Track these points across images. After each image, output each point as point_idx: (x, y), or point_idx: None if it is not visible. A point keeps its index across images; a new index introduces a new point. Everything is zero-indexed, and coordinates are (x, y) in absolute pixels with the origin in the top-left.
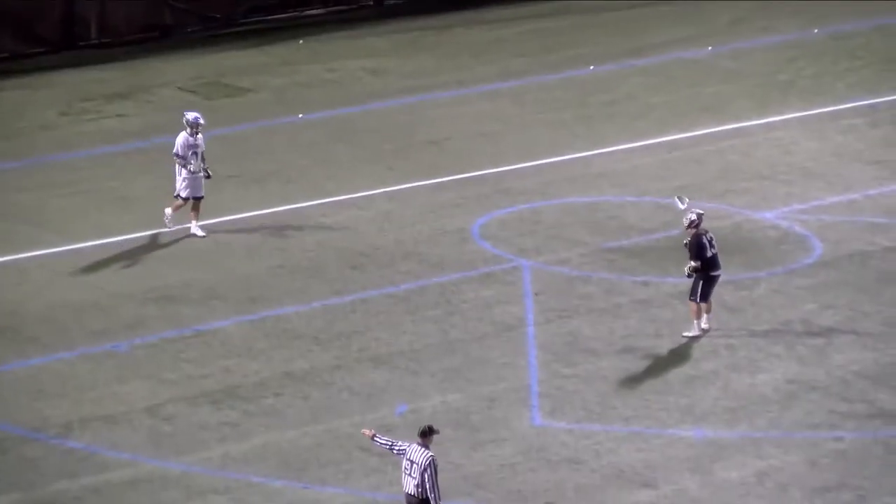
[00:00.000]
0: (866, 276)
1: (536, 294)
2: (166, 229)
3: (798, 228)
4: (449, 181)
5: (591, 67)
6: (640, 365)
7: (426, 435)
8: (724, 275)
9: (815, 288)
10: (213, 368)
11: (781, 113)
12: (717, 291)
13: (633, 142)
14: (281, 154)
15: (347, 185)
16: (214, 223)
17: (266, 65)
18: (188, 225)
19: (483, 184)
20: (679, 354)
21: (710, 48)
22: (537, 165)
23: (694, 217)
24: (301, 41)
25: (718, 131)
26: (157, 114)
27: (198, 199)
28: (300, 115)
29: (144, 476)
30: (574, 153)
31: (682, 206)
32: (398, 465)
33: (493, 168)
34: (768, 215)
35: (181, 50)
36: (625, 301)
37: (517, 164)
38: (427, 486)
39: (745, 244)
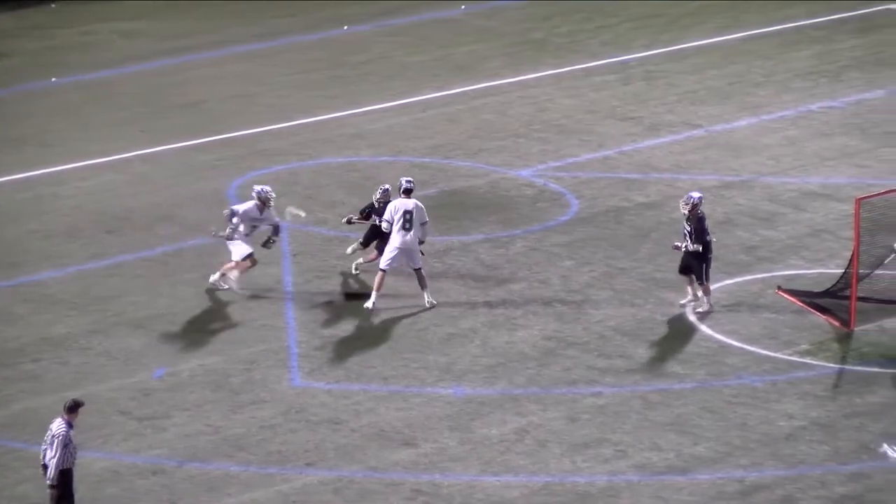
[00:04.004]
0: (622, 232)
1: (294, 255)
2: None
3: (553, 186)
4: (205, 143)
5: (346, 28)
6: (400, 324)
7: (72, 410)
8: (480, 234)
9: (571, 245)
10: None
11: (536, 71)
12: (474, 250)
13: (387, 102)
14: (37, 118)
15: (104, 149)
16: None
17: (19, 29)
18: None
19: (239, 145)
20: (438, 313)
21: (463, 7)
22: (293, 126)
23: (696, 198)
24: (53, 5)
25: (472, 90)
26: None
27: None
28: (53, 79)
29: None
30: (329, 113)
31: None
32: (158, 428)
33: (249, 129)
34: (524, 173)
35: None
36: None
37: (273, 125)
38: (50, 454)
39: (502, 202)
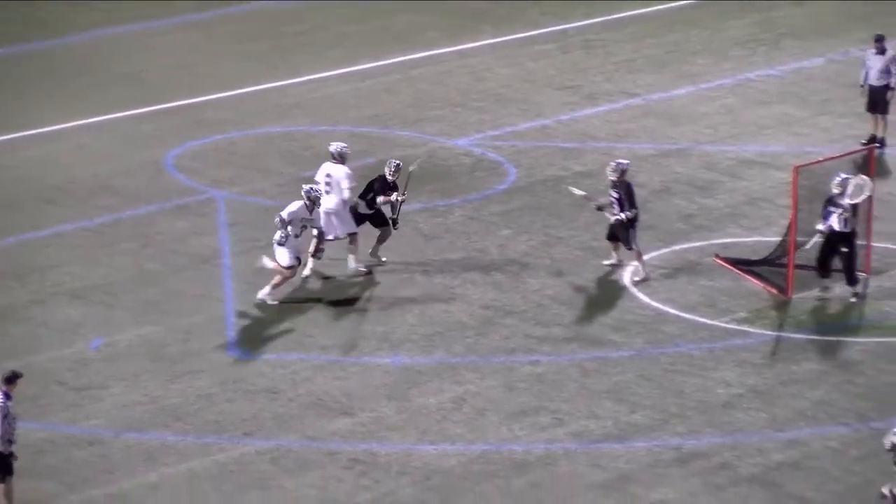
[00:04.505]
0: (559, 201)
1: (231, 225)
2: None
3: (491, 155)
4: (144, 113)
5: None
6: (337, 294)
7: (10, 381)
8: (418, 203)
9: (509, 214)
10: None
11: (474, 40)
12: (413, 219)
13: (326, 71)
14: None
15: (43, 119)
16: None
17: None
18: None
19: (178, 115)
20: (376, 282)
21: None
22: (232, 96)
23: (625, 164)
24: None
25: (410, 60)
26: None
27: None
28: None
29: None
30: (268, 83)
31: (579, 194)
32: (95, 398)
33: (187, 100)
34: (461, 142)
35: None
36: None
37: (212, 94)
38: None
39: (440, 172)
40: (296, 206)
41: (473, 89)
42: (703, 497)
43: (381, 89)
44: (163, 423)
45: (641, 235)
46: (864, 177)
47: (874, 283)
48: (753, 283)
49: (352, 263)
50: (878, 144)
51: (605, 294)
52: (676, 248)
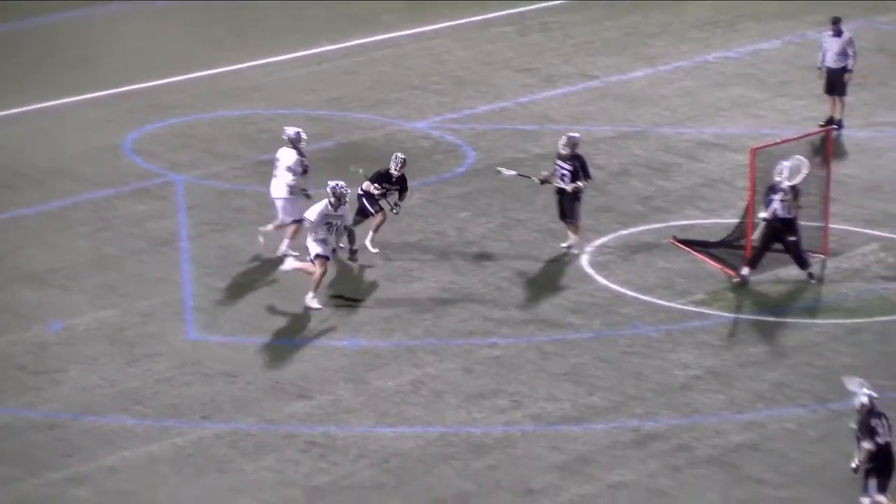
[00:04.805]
0: (517, 183)
1: (189, 208)
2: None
3: (450, 137)
4: (101, 97)
5: None
6: (294, 276)
7: None
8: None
9: (467, 196)
10: None
11: (433, 23)
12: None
13: (283, 54)
14: None
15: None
16: None
17: None
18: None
19: (135, 99)
20: (333, 265)
21: None
22: (188, 80)
23: (577, 137)
24: None
25: (369, 42)
26: None
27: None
28: None
29: None
30: (225, 66)
31: (510, 174)
32: (54, 382)
33: (144, 83)
34: (420, 125)
35: None
36: (263, 217)
37: (169, 78)
38: None
39: None
40: (320, 205)
41: (432, 72)
42: (661, 478)
43: (339, 72)
44: (121, 407)
45: (599, 218)
46: (800, 157)
47: (832, 265)
48: (711, 264)
49: (283, 247)
50: (835, 126)
51: (564, 276)
52: (634, 230)
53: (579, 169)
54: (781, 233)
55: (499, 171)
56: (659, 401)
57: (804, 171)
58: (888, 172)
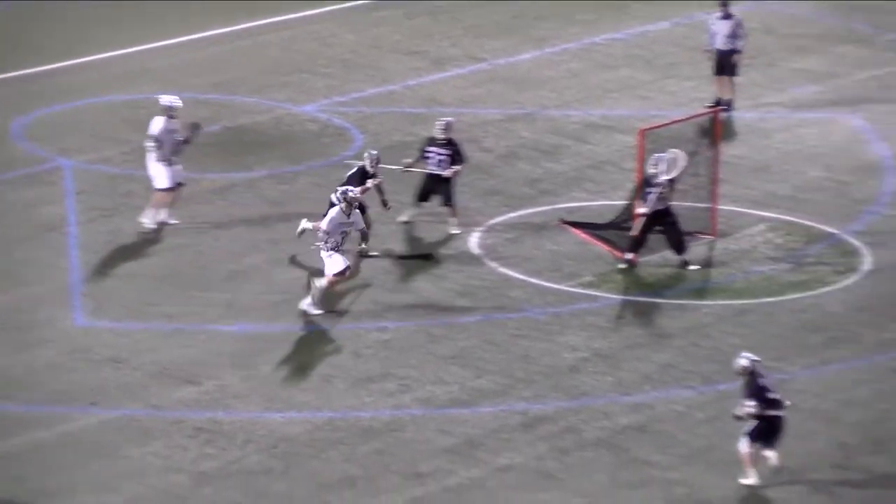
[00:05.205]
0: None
1: (78, 193)
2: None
3: (337, 121)
4: None
5: None
6: (183, 262)
7: None
8: (264, 170)
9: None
10: None
11: (321, 6)
12: (258, 185)
13: (172, 38)
14: None
15: None
16: None
17: None
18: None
19: (23, 83)
20: (222, 250)
21: None
22: (78, 64)
23: (453, 120)
24: None
25: (257, 26)
26: None
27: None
28: None
29: None
30: (114, 50)
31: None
32: None
33: (32, 68)
34: (308, 108)
35: None
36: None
37: (57, 63)
38: None
39: (286, 138)
40: (332, 213)
41: (320, 55)
42: (549, 461)
43: (227, 55)
44: (9, 395)
45: (487, 201)
46: (675, 150)
47: (720, 246)
48: (599, 246)
49: (145, 218)
50: (723, 107)
51: (453, 259)
52: (522, 212)
53: (455, 154)
54: (660, 221)
55: (347, 164)
56: (547, 383)
57: (681, 164)
58: (776, 153)
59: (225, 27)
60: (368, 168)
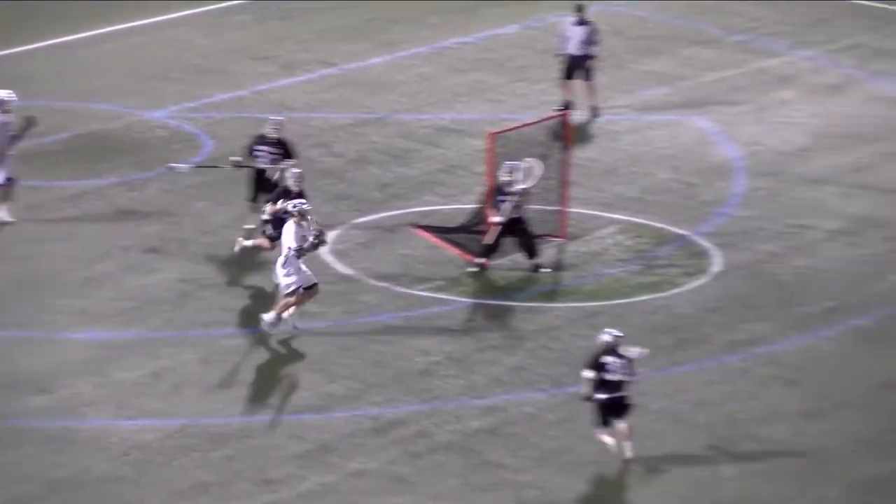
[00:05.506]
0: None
1: None
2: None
3: (188, 126)
4: None
5: None
6: (34, 269)
7: None
8: (114, 177)
9: (205, 186)
10: None
11: (172, 11)
12: (108, 192)
13: (23, 45)
14: None
15: None
16: None
17: None
18: None
19: None
20: (73, 257)
21: None
22: None
23: (284, 120)
24: None
25: (106, 33)
26: None
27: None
28: None
29: None
30: None
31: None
32: None
33: None
34: (158, 114)
35: None
36: (19, 206)
37: None
38: None
39: (136, 145)
40: (291, 229)
41: (171, 61)
42: (402, 465)
43: (78, 62)
44: None
45: (338, 205)
46: (531, 160)
47: (571, 249)
48: (450, 250)
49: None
50: (568, 110)
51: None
52: (373, 217)
53: (287, 153)
54: (513, 228)
55: (171, 168)
56: (399, 387)
57: (537, 173)
58: (625, 155)
59: (76, 34)
60: (293, 187)
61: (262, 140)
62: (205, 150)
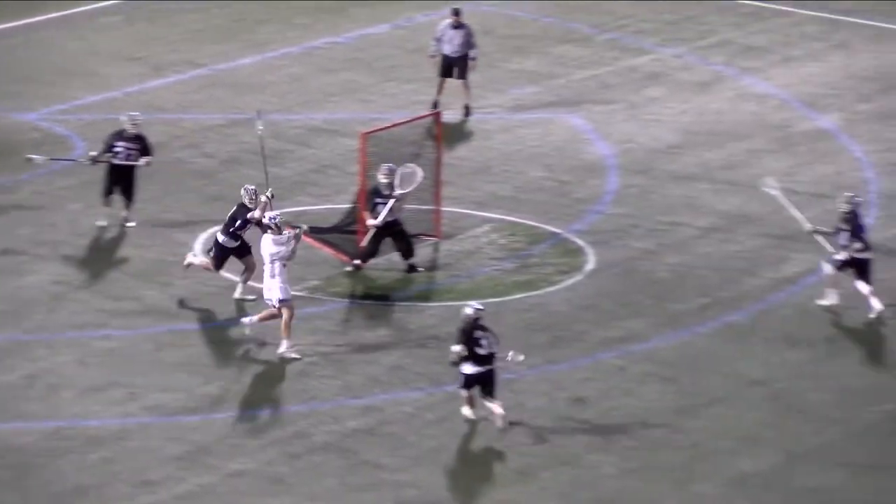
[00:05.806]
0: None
1: None
2: None
3: (59, 129)
4: None
5: None
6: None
7: None
8: None
9: (78, 187)
10: None
11: (41, 13)
12: None
13: None
14: None
15: None
16: None
17: None
18: None
19: None
20: None
21: None
22: None
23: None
24: None
25: None
26: None
27: None
28: None
29: None
30: None
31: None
32: None
33: None
34: (30, 117)
35: None
36: None
37: None
38: None
39: (7, 147)
40: (269, 240)
41: (41, 63)
42: (279, 466)
43: None
44: None
45: (211, 206)
46: (412, 165)
47: (445, 248)
48: (324, 250)
49: None
50: (439, 110)
51: (174, 267)
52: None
53: (143, 147)
54: (389, 230)
55: (30, 159)
56: (276, 389)
57: (419, 178)
58: (497, 154)
59: None
60: (247, 203)
61: (120, 136)
62: (76, 151)
